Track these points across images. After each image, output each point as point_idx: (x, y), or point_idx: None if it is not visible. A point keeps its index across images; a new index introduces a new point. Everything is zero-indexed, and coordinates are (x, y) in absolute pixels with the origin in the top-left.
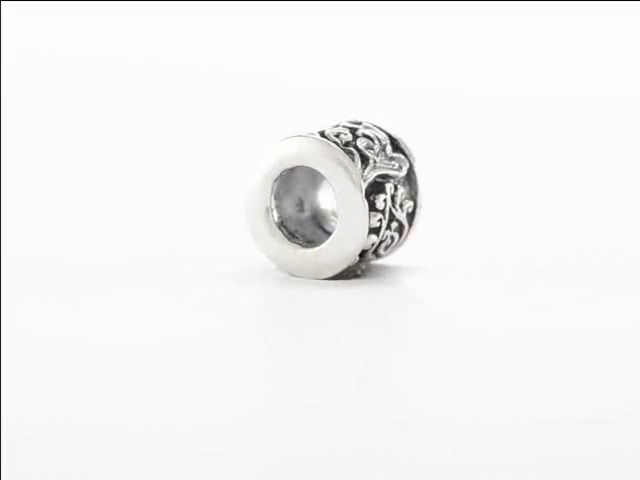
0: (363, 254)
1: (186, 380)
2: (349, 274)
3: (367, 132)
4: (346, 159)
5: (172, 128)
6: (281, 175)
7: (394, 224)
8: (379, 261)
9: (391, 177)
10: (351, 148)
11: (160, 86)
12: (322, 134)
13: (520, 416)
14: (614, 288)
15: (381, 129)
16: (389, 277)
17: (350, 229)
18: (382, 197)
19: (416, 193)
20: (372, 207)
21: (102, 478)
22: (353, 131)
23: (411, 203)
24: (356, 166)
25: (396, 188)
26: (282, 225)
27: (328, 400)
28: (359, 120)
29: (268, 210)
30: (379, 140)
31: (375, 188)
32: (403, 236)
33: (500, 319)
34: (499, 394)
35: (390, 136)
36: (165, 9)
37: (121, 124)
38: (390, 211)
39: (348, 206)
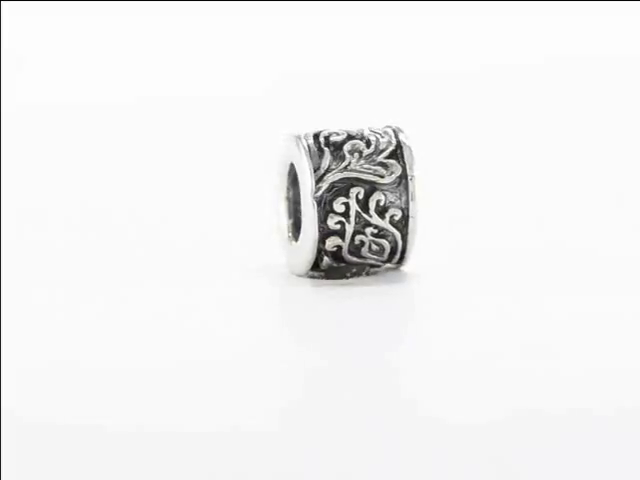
0: (337, 256)
1: (196, 379)
2: (341, 276)
3: (372, 136)
4: (311, 160)
5: (198, 124)
6: (292, 171)
7: (371, 229)
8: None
9: (368, 182)
10: (325, 148)
11: (180, 83)
12: (315, 134)
13: (525, 418)
14: (622, 291)
15: (396, 135)
16: (394, 282)
17: (305, 228)
18: (341, 200)
19: (407, 202)
20: (330, 209)
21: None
22: (360, 133)
23: (398, 211)
24: (319, 167)
25: (370, 194)
26: (294, 222)
27: (333, 401)
28: (388, 125)
29: (285, 200)
30: (377, 145)
31: (341, 191)
32: (399, 244)
33: (504, 323)
34: (503, 396)
35: (398, 143)
36: (176, 10)
37: (129, 125)
38: (359, 215)
39: (304, 205)
